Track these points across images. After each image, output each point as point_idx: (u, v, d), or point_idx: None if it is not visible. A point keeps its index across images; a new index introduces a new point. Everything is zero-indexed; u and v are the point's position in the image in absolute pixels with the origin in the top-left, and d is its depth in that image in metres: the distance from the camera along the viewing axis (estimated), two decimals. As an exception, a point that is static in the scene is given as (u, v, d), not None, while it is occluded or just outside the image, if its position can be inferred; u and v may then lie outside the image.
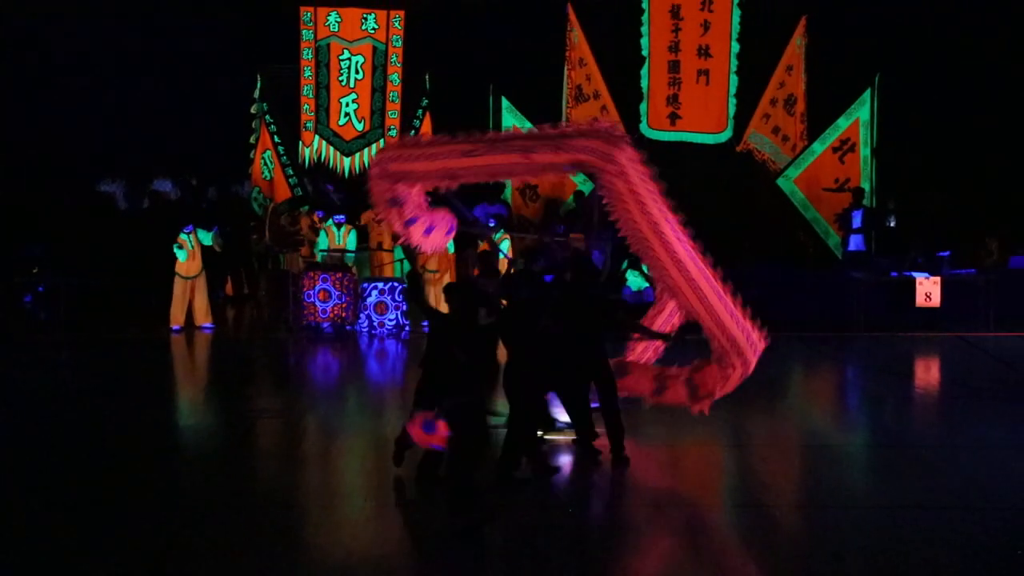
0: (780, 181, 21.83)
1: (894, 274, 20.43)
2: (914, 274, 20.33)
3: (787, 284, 20.12)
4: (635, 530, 9.58)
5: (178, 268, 18.77)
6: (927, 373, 17.85)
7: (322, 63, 21.91)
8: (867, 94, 21.88)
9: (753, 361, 10.71)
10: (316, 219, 20.74)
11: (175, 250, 18.69)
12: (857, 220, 21.25)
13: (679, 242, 10.18)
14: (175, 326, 18.78)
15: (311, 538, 9.04)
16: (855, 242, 21.31)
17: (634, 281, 19.47)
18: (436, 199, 10.36)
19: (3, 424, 12.68)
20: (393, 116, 22.04)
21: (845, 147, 21.96)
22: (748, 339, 10.58)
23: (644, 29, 21.99)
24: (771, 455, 12.16)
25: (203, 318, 19.09)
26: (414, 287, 10.64)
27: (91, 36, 23.58)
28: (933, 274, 20.30)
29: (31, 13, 23.23)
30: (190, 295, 18.91)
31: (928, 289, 20.14)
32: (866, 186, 21.81)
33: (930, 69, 23.17)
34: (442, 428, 9.36)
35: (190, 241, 18.80)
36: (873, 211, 21.69)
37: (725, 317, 10.47)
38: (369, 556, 8.77)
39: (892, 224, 22.16)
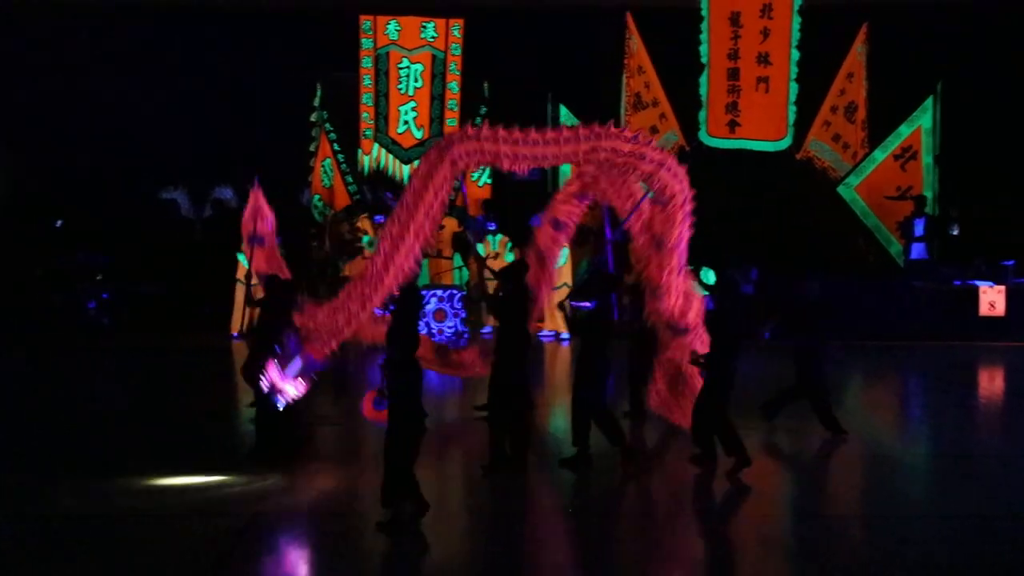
0: (841, 189, 21.81)
1: (957, 283, 20.43)
2: (978, 283, 20.29)
3: (848, 293, 20.05)
4: (693, 540, 9.67)
5: (239, 275, 18.95)
6: (990, 383, 17.87)
7: (381, 71, 22.01)
8: (929, 101, 21.84)
9: None
10: (374, 226, 20.88)
11: (238, 256, 18.83)
12: (919, 228, 21.17)
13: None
14: (235, 332, 18.94)
15: (369, 544, 9.07)
16: (917, 250, 21.21)
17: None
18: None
19: (69, 427, 12.89)
20: (452, 124, 22.00)
21: (907, 155, 21.91)
22: None
23: (703, 36, 21.92)
24: (831, 465, 12.25)
25: (263, 325, 19.23)
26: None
27: (153, 45, 23.97)
28: (997, 283, 20.27)
29: (95, 25, 23.72)
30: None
31: (992, 298, 20.14)
32: (928, 194, 21.72)
33: (994, 75, 23.00)
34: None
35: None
36: (935, 219, 21.58)
37: None
38: (431, 561, 8.87)
39: (955, 232, 21.90)
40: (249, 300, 15.04)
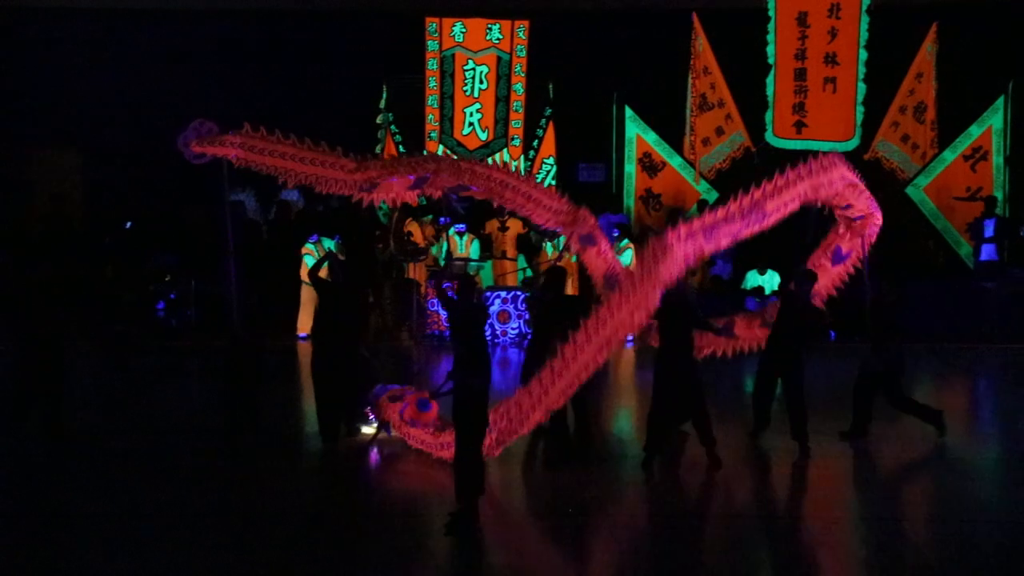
0: (909, 190, 21.89)
1: None
2: None
3: (917, 295, 20.01)
4: (760, 542, 9.88)
5: (303, 275, 19.12)
6: None
7: (447, 73, 22.19)
8: (1000, 101, 21.88)
9: None
10: (437, 228, 21.06)
11: (304, 258, 19.03)
12: (989, 229, 21.11)
13: None
14: (302, 333, 19.13)
15: (434, 544, 9.30)
16: (987, 252, 21.18)
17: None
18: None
19: (143, 427, 13.23)
20: (516, 126, 22.25)
21: (977, 155, 21.98)
22: None
23: (770, 37, 21.88)
24: (900, 467, 12.47)
25: (328, 325, 19.43)
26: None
27: (223, 47, 24.49)
28: None
29: (166, 30, 24.27)
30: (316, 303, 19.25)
31: None
32: (999, 195, 21.76)
33: None
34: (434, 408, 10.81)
35: (316, 250, 19.09)
36: (1006, 220, 21.58)
37: None
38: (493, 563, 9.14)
39: None
40: None
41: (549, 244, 19.95)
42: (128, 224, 22.11)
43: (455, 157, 13.41)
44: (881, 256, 12.99)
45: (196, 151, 12.10)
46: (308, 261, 18.92)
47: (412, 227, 20.94)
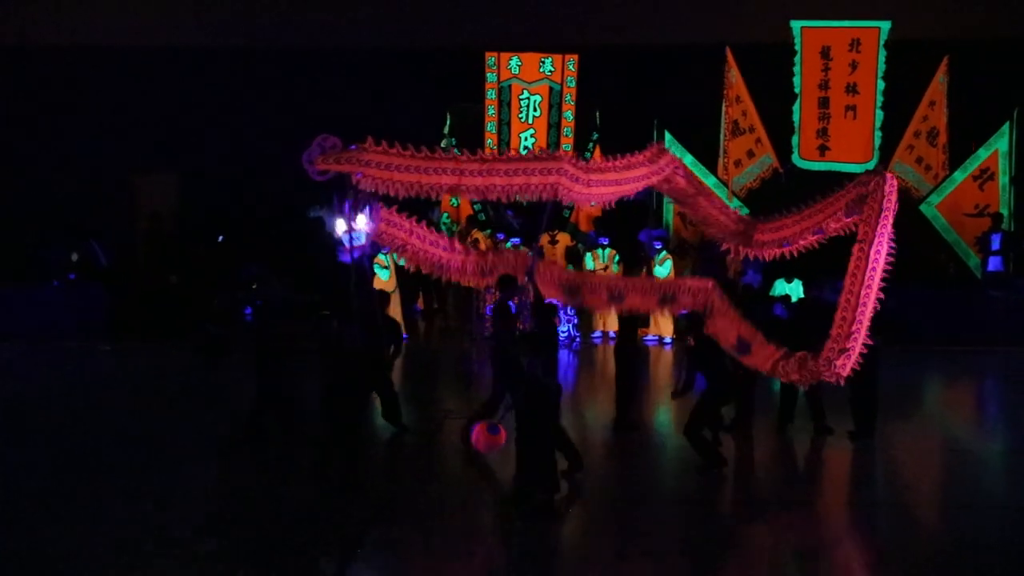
0: (923, 207, 22.41)
1: None
2: None
3: (930, 302, 20.95)
4: (783, 526, 10.59)
5: (377, 284, 20.00)
6: None
7: (504, 102, 23.36)
8: (1006, 127, 22.38)
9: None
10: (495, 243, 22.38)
11: (376, 269, 20.07)
12: (996, 243, 21.83)
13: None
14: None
15: (500, 528, 10.35)
16: (994, 263, 21.90)
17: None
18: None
19: (237, 422, 13.79)
20: (567, 149, 22.73)
21: (985, 176, 22.43)
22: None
23: (796, 69, 22.70)
24: (914, 459, 13.05)
25: (398, 330, 20.74)
26: None
27: (298, 82, 25.93)
28: None
29: (256, 65, 25.90)
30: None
31: None
32: (1005, 211, 22.30)
33: None
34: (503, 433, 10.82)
35: (387, 260, 20.27)
36: (1011, 235, 22.19)
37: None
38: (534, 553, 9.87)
39: None
40: None
41: (590, 255, 21.31)
42: (220, 238, 23.48)
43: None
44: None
45: (320, 168, 11.18)
46: (381, 273, 20.27)
47: (478, 235, 22.28)
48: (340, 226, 11.85)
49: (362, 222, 11.87)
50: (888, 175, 12.65)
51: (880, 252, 12.17)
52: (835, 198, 12.82)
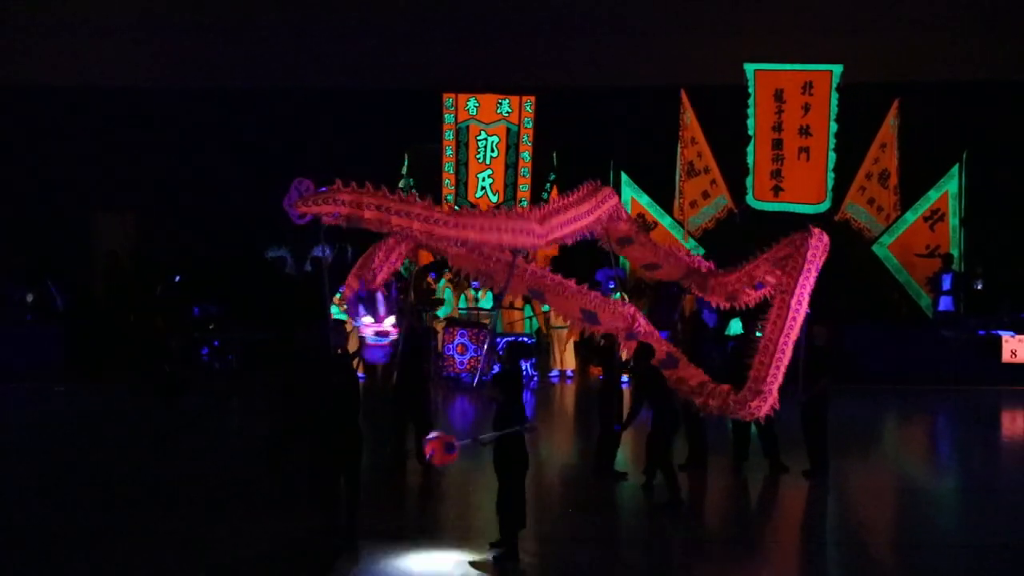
0: (875, 247, 22.80)
1: (981, 332, 21.38)
2: (1001, 332, 21.25)
3: (883, 341, 21.25)
4: (736, 566, 10.54)
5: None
6: (1012, 424, 18.78)
7: (462, 142, 23.61)
8: (955, 169, 22.78)
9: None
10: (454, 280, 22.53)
11: (332, 310, 20.36)
12: (947, 283, 22.17)
13: None
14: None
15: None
16: (945, 303, 22.21)
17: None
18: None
19: (193, 460, 14.04)
20: (524, 189, 23.61)
21: (935, 216, 22.81)
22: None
23: (750, 111, 23.10)
24: (867, 498, 13.05)
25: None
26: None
27: (256, 122, 25.98)
28: (1018, 332, 21.21)
29: (214, 108, 25.93)
30: (343, 349, 20.68)
31: (1014, 346, 21.19)
32: (955, 252, 22.63)
33: (1014, 146, 24.34)
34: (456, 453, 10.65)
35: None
36: (961, 275, 22.53)
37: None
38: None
39: (979, 287, 22.92)
40: None
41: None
42: (177, 277, 23.34)
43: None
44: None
45: (301, 211, 10.99)
46: (339, 314, 20.35)
47: (429, 280, 22.41)
48: (368, 325, 12.02)
49: (389, 323, 12.05)
50: (815, 230, 13.30)
51: (801, 303, 12.95)
52: (769, 254, 13.45)
